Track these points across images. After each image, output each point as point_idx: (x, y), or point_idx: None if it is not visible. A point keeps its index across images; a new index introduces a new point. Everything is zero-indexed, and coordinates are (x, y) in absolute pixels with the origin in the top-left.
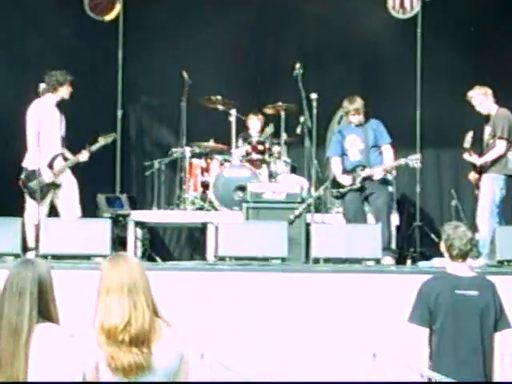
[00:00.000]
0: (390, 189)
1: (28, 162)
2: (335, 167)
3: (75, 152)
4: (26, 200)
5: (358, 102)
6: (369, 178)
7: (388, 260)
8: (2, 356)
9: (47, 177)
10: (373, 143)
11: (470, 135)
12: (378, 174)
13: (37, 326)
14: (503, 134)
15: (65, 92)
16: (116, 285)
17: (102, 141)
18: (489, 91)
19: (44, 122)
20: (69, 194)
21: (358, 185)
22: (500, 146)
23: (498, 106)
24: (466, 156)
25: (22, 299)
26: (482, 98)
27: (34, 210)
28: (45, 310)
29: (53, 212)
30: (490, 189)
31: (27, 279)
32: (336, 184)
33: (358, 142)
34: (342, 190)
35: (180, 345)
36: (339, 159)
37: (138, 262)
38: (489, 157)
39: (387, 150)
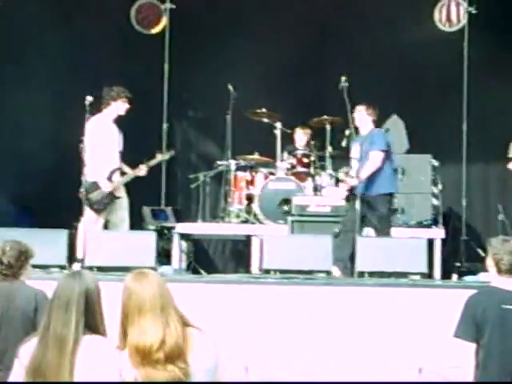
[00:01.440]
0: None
1: (88, 175)
2: None
3: (125, 165)
4: (83, 213)
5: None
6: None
7: (336, 271)
8: (48, 367)
9: (107, 188)
10: (364, 152)
11: None
12: (351, 181)
13: (84, 338)
14: None
15: (119, 107)
16: (149, 304)
17: (160, 157)
18: None
19: (102, 137)
20: (123, 209)
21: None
22: None
23: None
24: (511, 166)
25: (68, 311)
26: None
27: (91, 222)
28: (92, 323)
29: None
30: None
31: (74, 291)
32: None
33: (357, 152)
34: None
35: (214, 349)
36: None
37: (161, 277)
38: None
39: (369, 157)
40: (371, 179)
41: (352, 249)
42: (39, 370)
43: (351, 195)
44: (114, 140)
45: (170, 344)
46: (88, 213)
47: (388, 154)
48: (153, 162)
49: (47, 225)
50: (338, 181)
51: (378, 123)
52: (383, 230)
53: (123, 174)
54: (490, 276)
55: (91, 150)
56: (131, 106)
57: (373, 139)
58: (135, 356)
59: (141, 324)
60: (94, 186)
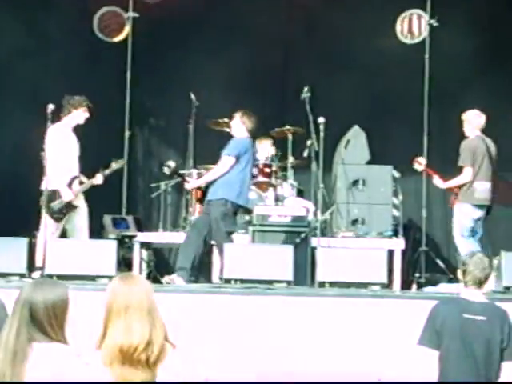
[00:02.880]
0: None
1: (48, 184)
2: None
3: (86, 174)
4: (41, 221)
5: None
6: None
7: (179, 280)
8: (1, 375)
9: (68, 196)
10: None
11: None
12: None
13: (38, 346)
14: (462, 161)
15: (79, 116)
16: (136, 304)
17: (115, 165)
18: (469, 116)
19: (62, 145)
20: (81, 217)
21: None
22: (465, 174)
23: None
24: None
25: (12, 319)
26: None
27: (49, 230)
28: (43, 331)
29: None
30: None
31: (21, 300)
32: None
33: None
34: None
35: (181, 367)
36: None
37: (147, 281)
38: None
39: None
40: (215, 183)
41: (199, 257)
42: None
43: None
44: (74, 148)
45: (154, 347)
46: (47, 221)
47: (239, 162)
48: (108, 171)
49: (6, 233)
50: (299, 192)
51: (340, 134)
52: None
53: (81, 182)
54: (460, 288)
55: (51, 159)
56: (93, 115)
57: (228, 144)
58: (114, 354)
59: (127, 323)
60: (55, 194)
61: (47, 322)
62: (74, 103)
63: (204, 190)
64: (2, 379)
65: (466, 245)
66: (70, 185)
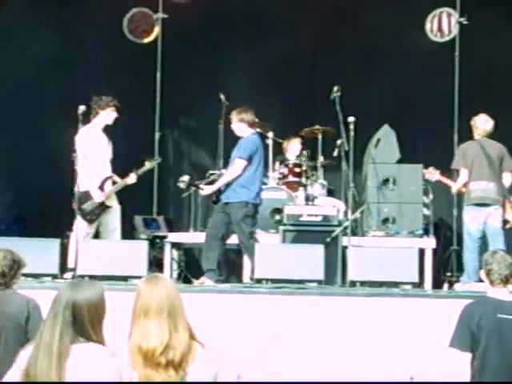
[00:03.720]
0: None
1: (80, 185)
2: None
3: (117, 175)
4: (75, 222)
5: None
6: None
7: (209, 282)
8: (38, 374)
9: (98, 198)
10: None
11: None
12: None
13: (74, 347)
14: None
15: (108, 117)
16: (156, 307)
17: (148, 164)
18: (476, 122)
19: (92, 147)
20: (114, 219)
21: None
22: (461, 175)
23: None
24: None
25: (55, 320)
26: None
27: (83, 231)
28: (83, 332)
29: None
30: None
31: (61, 303)
32: None
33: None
34: None
35: (214, 366)
36: None
37: (174, 284)
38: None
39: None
40: (232, 185)
41: (222, 255)
42: (31, 377)
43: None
44: (104, 149)
45: (175, 350)
46: (80, 222)
47: (252, 162)
48: (142, 170)
49: (39, 234)
50: (330, 191)
51: (370, 133)
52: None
53: (114, 183)
54: (486, 287)
55: (82, 160)
56: (124, 115)
57: (238, 146)
58: (137, 357)
59: (146, 326)
60: (86, 195)
61: (89, 322)
62: (101, 104)
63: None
64: (49, 379)
65: (468, 246)
66: (102, 186)
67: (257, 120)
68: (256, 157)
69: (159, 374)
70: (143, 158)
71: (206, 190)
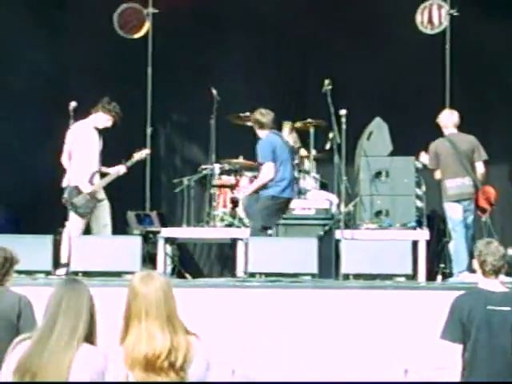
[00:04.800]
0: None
1: (69, 180)
2: None
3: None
4: (67, 219)
5: None
6: None
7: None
8: (42, 369)
9: (86, 188)
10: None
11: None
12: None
13: (70, 346)
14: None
15: (102, 121)
16: (155, 310)
17: (137, 156)
18: (441, 118)
19: (84, 142)
20: (105, 214)
21: None
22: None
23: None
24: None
25: (54, 319)
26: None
27: (75, 227)
28: (90, 332)
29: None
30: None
31: (83, 300)
32: None
33: None
34: None
35: (206, 355)
36: None
37: (168, 281)
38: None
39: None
40: None
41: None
42: (28, 370)
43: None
44: (96, 145)
45: (178, 353)
46: (72, 218)
47: (276, 160)
48: (130, 162)
49: (31, 231)
50: (322, 184)
51: (362, 125)
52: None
53: (103, 175)
54: (477, 278)
55: (74, 155)
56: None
57: (258, 150)
58: (137, 359)
59: (148, 329)
60: (76, 190)
61: (92, 322)
62: (105, 107)
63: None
64: (43, 376)
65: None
66: (90, 180)
67: (248, 114)
68: (277, 154)
69: (161, 377)
70: (132, 151)
71: (243, 192)
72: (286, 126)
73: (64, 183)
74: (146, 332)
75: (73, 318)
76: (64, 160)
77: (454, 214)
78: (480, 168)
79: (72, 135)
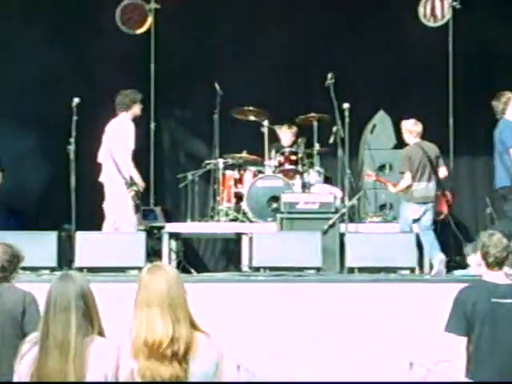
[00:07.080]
0: None
1: (123, 173)
2: None
3: None
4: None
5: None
6: None
7: None
8: (51, 374)
9: (142, 183)
10: None
11: None
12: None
13: (85, 341)
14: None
15: (137, 109)
16: (157, 298)
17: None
18: (407, 126)
19: (123, 138)
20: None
21: None
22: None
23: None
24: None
25: (67, 315)
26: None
27: (133, 223)
28: (91, 324)
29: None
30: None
31: (71, 294)
32: None
33: None
34: None
35: (215, 354)
36: None
37: (177, 273)
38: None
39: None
40: None
41: None
42: (42, 378)
43: None
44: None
45: (180, 343)
46: (129, 214)
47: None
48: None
49: (36, 227)
50: (326, 178)
51: (365, 119)
52: None
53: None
54: (481, 270)
55: (121, 150)
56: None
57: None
58: (141, 348)
59: (150, 317)
60: (132, 180)
61: (95, 312)
62: (132, 97)
63: None
64: (64, 379)
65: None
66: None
67: (251, 108)
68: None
69: (164, 365)
70: (142, 150)
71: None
72: (285, 128)
73: (101, 178)
74: (147, 319)
75: (62, 313)
76: (101, 157)
77: (412, 215)
78: (443, 171)
79: (111, 132)
